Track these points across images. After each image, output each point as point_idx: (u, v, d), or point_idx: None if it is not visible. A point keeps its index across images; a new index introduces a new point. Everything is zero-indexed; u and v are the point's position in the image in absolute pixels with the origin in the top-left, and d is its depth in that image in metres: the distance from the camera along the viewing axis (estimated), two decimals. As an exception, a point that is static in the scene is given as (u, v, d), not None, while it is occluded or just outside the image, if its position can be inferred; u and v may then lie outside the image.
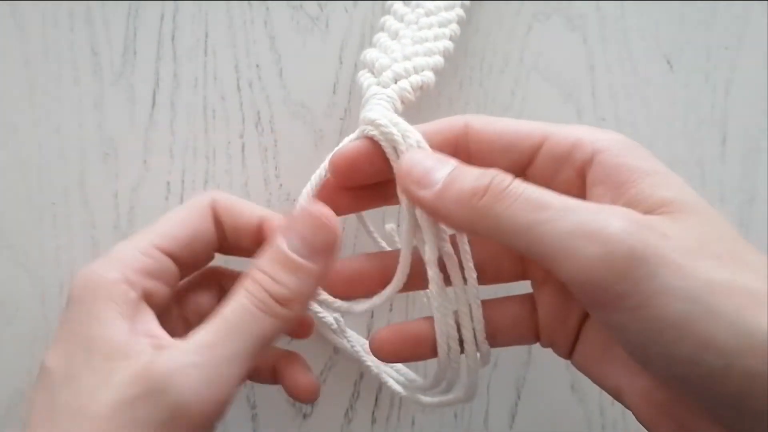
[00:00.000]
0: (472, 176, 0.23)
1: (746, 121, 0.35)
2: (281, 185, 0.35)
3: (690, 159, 0.35)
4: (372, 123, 0.27)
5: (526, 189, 0.22)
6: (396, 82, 0.30)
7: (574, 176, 0.24)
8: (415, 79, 0.30)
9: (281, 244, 0.24)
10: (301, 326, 0.30)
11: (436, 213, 0.24)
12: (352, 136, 0.28)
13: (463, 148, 0.26)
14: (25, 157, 0.35)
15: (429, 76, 0.30)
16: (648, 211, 0.22)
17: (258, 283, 0.24)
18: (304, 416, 0.36)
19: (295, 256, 0.24)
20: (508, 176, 0.22)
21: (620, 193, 0.22)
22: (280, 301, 0.24)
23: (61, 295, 0.35)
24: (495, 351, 0.35)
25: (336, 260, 0.25)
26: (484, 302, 0.28)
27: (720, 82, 0.35)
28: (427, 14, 0.32)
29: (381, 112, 0.27)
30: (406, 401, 0.35)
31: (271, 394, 0.35)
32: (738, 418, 0.20)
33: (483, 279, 0.27)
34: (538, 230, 0.21)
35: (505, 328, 0.28)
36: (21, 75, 0.34)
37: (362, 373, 0.35)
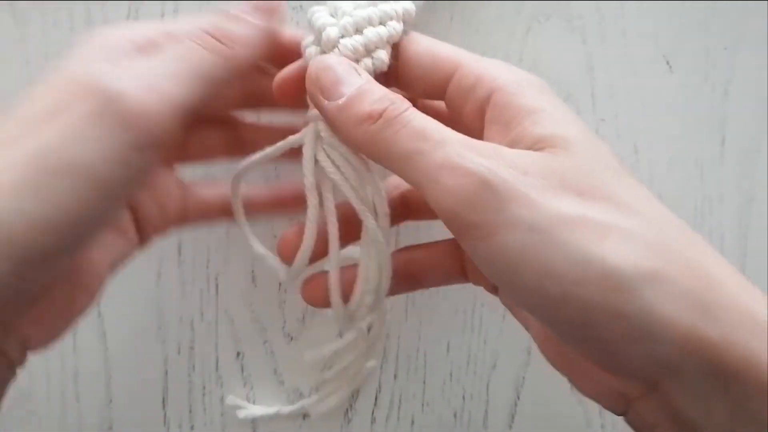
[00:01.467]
0: (373, 98, 0.23)
1: (745, 122, 0.35)
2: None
3: (689, 159, 0.35)
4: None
5: (415, 119, 0.22)
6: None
7: (476, 111, 0.25)
8: (367, 63, 0.26)
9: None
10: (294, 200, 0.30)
11: (335, 128, 0.24)
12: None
13: (393, 67, 0.26)
14: (25, 157, 0.35)
15: (381, 55, 0.26)
16: (525, 148, 0.22)
17: (199, 30, 0.24)
18: (304, 416, 0.36)
19: (237, 12, 0.25)
20: (405, 103, 0.23)
21: (507, 131, 0.23)
22: (220, 39, 0.24)
23: (61, 295, 0.35)
24: (494, 351, 0.35)
25: (279, 22, 0.26)
26: (408, 247, 0.29)
27: (719, 83, 0.35)
28: None
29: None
30: (405, 402, 0.35)
31: (271, 394, 0.36)
32: (586, 348, 0.21)
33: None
34: (414, 160, 0.22)
35: (431, 268, 0.29)
36: (21, 75, 0.34)
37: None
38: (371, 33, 0.26)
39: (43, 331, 0.24)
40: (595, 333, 0.20)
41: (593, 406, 0.35)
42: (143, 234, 0.28)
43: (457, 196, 0.21)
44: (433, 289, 0.35)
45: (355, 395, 0.36)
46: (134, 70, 0.22)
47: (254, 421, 0.36)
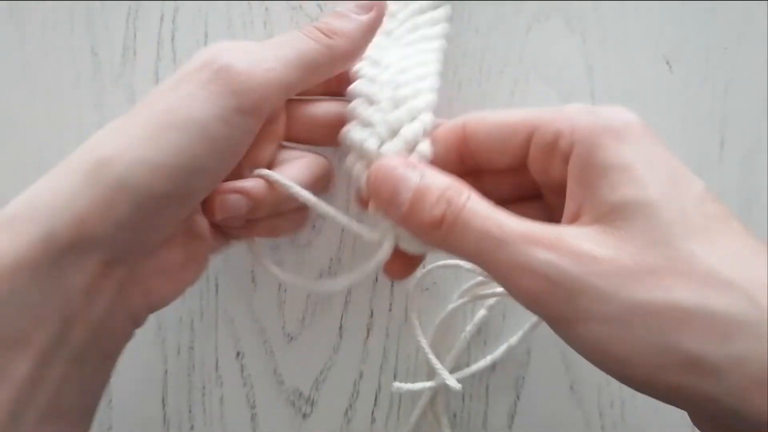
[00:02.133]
0: (431, 201, 0.24)
1: (745, 122, 0.35)
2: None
3: (689, 160, 0.34)
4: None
5: (475, 218, 0.23)
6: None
7: (562, 166, 0.24)
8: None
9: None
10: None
11: (409, 231, 0.26)
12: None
13: (466, 151, 0.27)
14: (25, 157, 0.35)
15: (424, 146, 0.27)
16: (598, 218, 0.22)
17: (308, 25, 0.28)
18: (304, 416, 0.36)
19: (343, 10, 0.28)
20: (462, 196, 0.23)
21: (583, 193, 0.23)
22: (326, 32, 0.27)
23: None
24: (493, 352, 0.35)
25: (380, 18, 0.29)
26: None
27: (719, 83, 0.35)
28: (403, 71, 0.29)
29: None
30: (405, 401, 0.35)
31: (271, 395, 0.36)
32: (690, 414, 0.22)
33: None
34: (483, 260, 0.23)
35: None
36: (21, 76, 0.35)
37: (362, 372, 0.35)
38: (407, 132, 0.27)
39: (161, 287, 0.27)
40: (685, 407, 0.21)
41: (592, 407, 0.35)
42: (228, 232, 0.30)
43: (529, 296, 0.22)
44: (432, 289, 0.35)
45: (354, 395, 0.36)
46: (246, 50, 0.26)
47: (254, 421, 0.36)
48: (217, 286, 0.35)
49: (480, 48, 0.35)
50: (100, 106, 0.35)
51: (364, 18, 0.28)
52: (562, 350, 0.35)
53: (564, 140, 0.24)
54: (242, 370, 0.36)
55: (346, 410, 0.36)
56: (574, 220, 0.23)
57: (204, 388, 0.36)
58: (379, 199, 0.25)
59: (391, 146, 0.27)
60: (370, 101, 0.28)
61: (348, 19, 0.28)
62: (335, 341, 0.35)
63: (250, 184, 0.27)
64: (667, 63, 0.35)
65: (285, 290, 0.35)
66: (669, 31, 0.35)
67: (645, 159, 0.22)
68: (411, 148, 0.27)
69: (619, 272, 0.20)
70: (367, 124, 0.28)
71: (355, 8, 0.28)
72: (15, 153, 0.35)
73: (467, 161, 0.27)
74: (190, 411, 0.36)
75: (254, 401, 0.36)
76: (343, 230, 0.35)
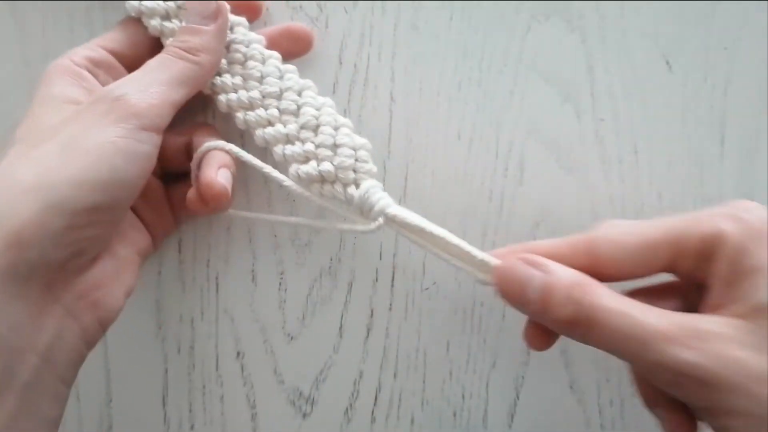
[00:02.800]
0: (558, 301, 0.25)
1: (745, 121, 0.35)
2: (281, 185, 0.35)
3: (688, 159, 0.35)
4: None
5: (608, 318, 0.24)
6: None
7: (705, 266, 0.25)
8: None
9: (182, 24, 0.31)
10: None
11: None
12: None
13: (592, 270, 0.26)
14: (25, 156, 0.35)
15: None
16: (742, 315, 0.23)
17: (170, 46, 0.30)
18: (304, 415, 0.36)
19: (192, 24, 0.30)
20: (588, 299, 0.24)
21: (727, 291, 0.24)
22: (189, 51, 0.30)
23: (61, 294, 0.35)
24: (494, 351, 0.35)
25: (226, 23, 0.31)
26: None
27: (719, 82, 0.35)
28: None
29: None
30: (404, 401, 0.35)
31: (271, 394, 0.36)
32: None
33: None
34: (623, 357, 0.24)
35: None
36: (21, 75, 0.35)
37: (362, 372, 0.35)
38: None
39: (106, 299, 0.28)
40: None
41: (592, 406, 0.35)
42: (154, 235, 0.32)
43: (675, 392, 0.23)
44: (432, 289, 0.35)
45: (354, 394, 0.36)
46: (131, 80, 0.29)
47: (254, 421, 0.36)
48: (217, 285, 0.35)
49: (480, 47, 0.35)
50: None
51: (214, 28, 0.30)
52: (561, 349, 0.35)
53: (709, 245, 0.25)
54: (242, 370, 0.36)
55: (346, 410, 0.36)
56: (715, 311, 0.24)
57: (204, 387, 0.36)
58: (510, 300, 0.27)
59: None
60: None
61: (202, 33, 0.30)
62: (335, 341, 0.35)
63: (225, 160, 0.31)
64: (667, 62, 0.35)
65: (285, 290, 0.35)
66: (668, 31, 0.35)
67: None
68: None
69: (763, 374, 0.22)
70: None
71: (202, 20, 0.31)
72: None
73: (595, 274, 0.27)
74: (190, 410, 0.36)
75: (254, 401, 0.36)
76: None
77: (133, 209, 0.31)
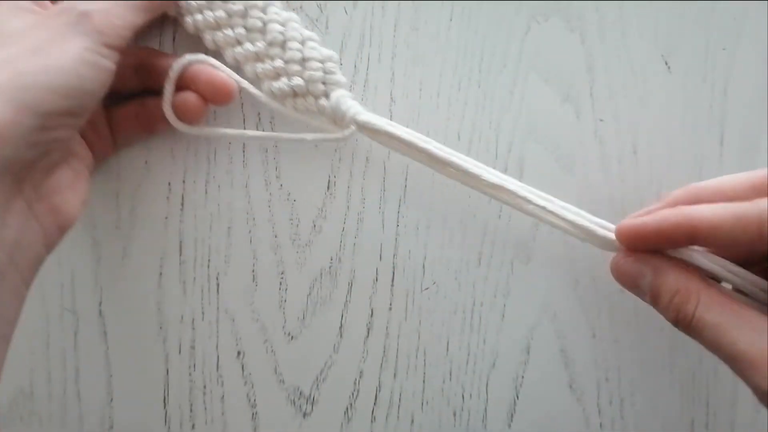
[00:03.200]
0: (663, 304, 0.27)
1: (744, 121, 0.35)
2: (281, 185, 0.35)
3: (688, 159, 0.35)
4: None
5: (703, 327, 0.25)
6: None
7: None
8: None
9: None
10: (219, 92, 0.33)
11: None
12: None
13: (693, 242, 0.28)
14: (26, 157, 0.35)
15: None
16: None
17: None
18: (304, 415, 0.36)
19: None
20: (688, 309, 0.26)
21: None
22: None
23: (62, 295, 0.35)
24: (493, 351, 0.35)
25: None
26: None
27: (718, 83, 0.35)
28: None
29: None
30: (404, 401, 0.35)
31: (271, 394, 0.36)
32: None
33: None
34: (723, 359, 0.26)
35: None
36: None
37: (362, 371, 0.36)
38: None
39: (64, 204, 0.29)
40: None
41: (592, 405, 0.35)
42: (94, 155, 0.33)
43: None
44: (432, 289, 0.35)
45: (354, 394, 0.36)
46: (97, 2, 0.29)
47: (255, 420, 0.36)
48: (218, 285, 0.35)
49: (479, 47, 0.35)
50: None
51: None
52: (561, 348, 0.35)
53: None
54: (243, 369, 0.36)
55: (347, 409, 0.36)
56: None
57: (205, 387, 0.36)
58: (627, 287, 0.29)
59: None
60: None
61: None
62: (335, 340, 0.35)
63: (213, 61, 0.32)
64: (666, 63, 0.35)
65: (285, 290, 0.35)
66: (668, 31, 0.35)
67: None
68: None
69: None
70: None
71: None
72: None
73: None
74: (191, 410, 0.36)
75: (255, 400, 0.36)
76: (343, 229, 0.35)
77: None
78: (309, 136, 0.33)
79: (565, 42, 0.35)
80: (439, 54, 0.35)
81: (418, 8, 0.34)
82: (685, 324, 0.26)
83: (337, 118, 0.32)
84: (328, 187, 0.35)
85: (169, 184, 0.35)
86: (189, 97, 0.32)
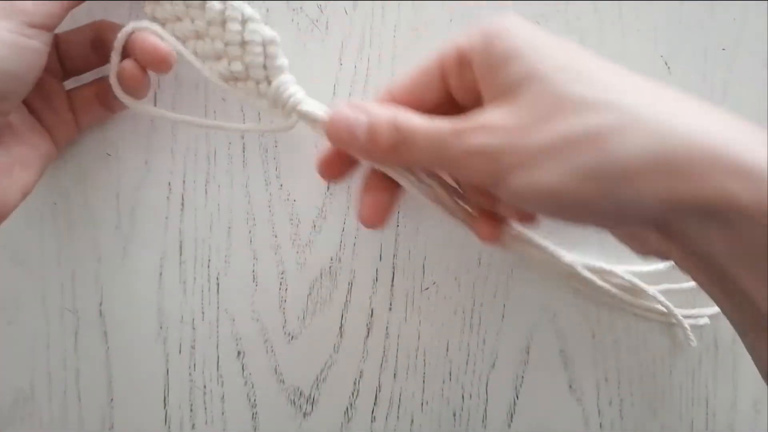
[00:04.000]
0: (383, 133, 0.28)
1: (743, 122, 0.35)
2: (281, 185, 0.35)
3: (687, 160, 0.35)
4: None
5: (417, 131, 0.27)
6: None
7: (474, 77, 0.28)
8: None
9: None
10: (153, 59, 0.32)
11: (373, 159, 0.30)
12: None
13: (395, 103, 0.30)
14: (26, 157, 0.35)
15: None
16: (497, 97, 0.26)
17: None
18: (305, 415, 0.36)
19: None
20: (407, 124, 0.27)
21: (487, 85, 0.27)
22: None
23: (62, 295, 0.36)
24: (493, 351, 0.35)
25: None
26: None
27: (717, 83, 0.35)
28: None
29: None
30: (404, 401, 0.35)
31: (271, 394, 0.36)
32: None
33: None
34: (435, 163, 0.27)
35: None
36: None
37: (362, 371, 0.36)
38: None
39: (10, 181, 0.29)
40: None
41: (592, 406, 0.35)
42: (56, 139, 0.33)
43: (470, 172, 0.26)
44: (432, 289, 0.35)
45: (354, 393, 0.36)
46: None
47: (255, 420, 0.36)
48: (218, 285, 0.35)
49: (479, 48, 0.35)
50: (101, 107, 0.35)
51: None
52: (560, 348, 0.35)
53: (465, 53, 0.28)
54: (243, 369, 0.36)
55: (347, 409, 0.36)
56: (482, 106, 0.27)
57: (205, 387, 0.36)
58: (341, 141, 0.29)
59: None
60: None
61: None
62: (335, 340, 0.35)
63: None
64: (666, 63, 0.35)
65: (285, 290, 0.35)
66: (667, 32, 0.35)
67: (531, 43, 0.26)
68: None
69: (522, 127, 0.25)
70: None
71: None
72: (16, 153, 0.35)
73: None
74: (191, 410, 0.36)
75: (255, 400, 0.36)
76: (343, 230, 0.35)
77: (34, 112, 0.32)
78: (252, 126, 0.33)
79: (565, 43, 0.35)
80: (439, 55, 0.35)
81: (418, 9, 0.35)
82: (402, 138, 0.27)
83: (278, 105, 0.31)
84: (328, 187, 0.35)
85: (169, 184, 0.35)
86: (126, 66, 0.31)
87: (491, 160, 0.25)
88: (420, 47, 0.35)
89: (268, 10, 0.34)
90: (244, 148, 0.35)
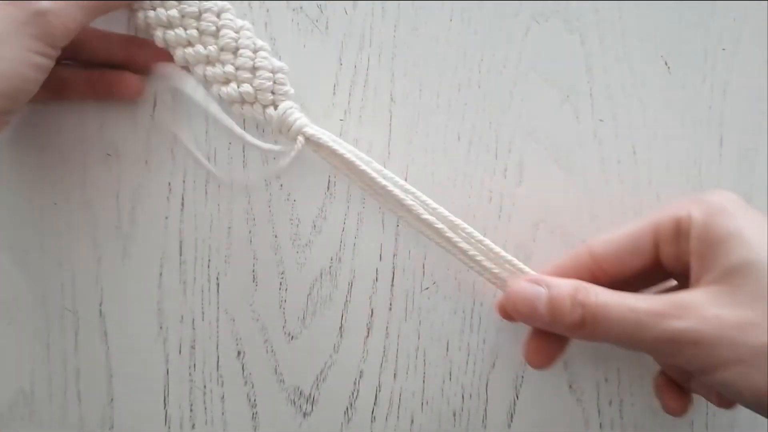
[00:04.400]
0: (565, 308, 0.28)
1: (743, 122, 0.35)
2: (281, 185, 0.35)
3: (687, 160, 0.35)
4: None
5: (608, 311, 0.27)
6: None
7: (687, 247, 0.28)
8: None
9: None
10: (128, 87, 0.34)
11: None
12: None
13: (599, 271, 0.30)
14: (26, 157, 0.35)
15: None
16: (716, 281, 0.26)
17: None
18: (305, 415, 0.36)
19: None
20: (591, 299, 0.27)
21: (702, 262, 0.27)
22: None
23: (62, 295, 0.36)
24: (493, 351, 0.35)
25: None
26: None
27: (717, 83, 0.35)
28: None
29: None
30: (404, 401, 0.35)
31: (272, 394, 0.36)
32: None
33: None
34: (627, 343, 0.27)
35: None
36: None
37: (362, 371, 0.36)
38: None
39: None
40: None
41: (591, 405, 0.35)
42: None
43: (674, 358, 0.26)
44: (432, 289, 0.35)
45: (354, 394, 0.36)
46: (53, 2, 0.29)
47: (255, 420, 0.36)
48: (218, 285, 0.35)
49: (479, 48, 0.35)
50: (101, 107, 0.35)
51: None
52: (561, 349, 0.35)
53: (683, 224, 0.28)
54: (243, 369, 0.36)
55: (347, 409, 0.36)
56: (696, 285, 0.27)
57: (205, 387, 0.36)
58: (521, 315, 0.29)
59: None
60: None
61: None
62: (335, 340, 0.35)
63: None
64: (666, 63, 0.35)
65: (285, 290, 0.35)
66: (667, 32, 0.35)
67: (751, 227, 0.26)
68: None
69: (742, 322, 0.24)
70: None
71: None
72: (16, 152, 0.35)
73: (601, 279, 0.30)
74: (191, 410, 0.36)
75: (255, 400, 0.36)
76: (343, 230, 0.35)
77: None
78: (265, 145, 0.34)
79: (565, 43, 0.35)
80: (439, 55, 0.35)
81: (418, 9, 0.35)
82: (591, 315, 0.27)
83: (283, 129, 0.33)
84: (328, 187, 0.35)
85: (169, 184, 0.35)
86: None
87: (701, 350, 0.25)
88: (420, 47, 0.35)
89: (268, 10, 0.35)
90: (244, 147, 0.35)
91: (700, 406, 0.35)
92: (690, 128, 0.35)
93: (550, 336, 0.31)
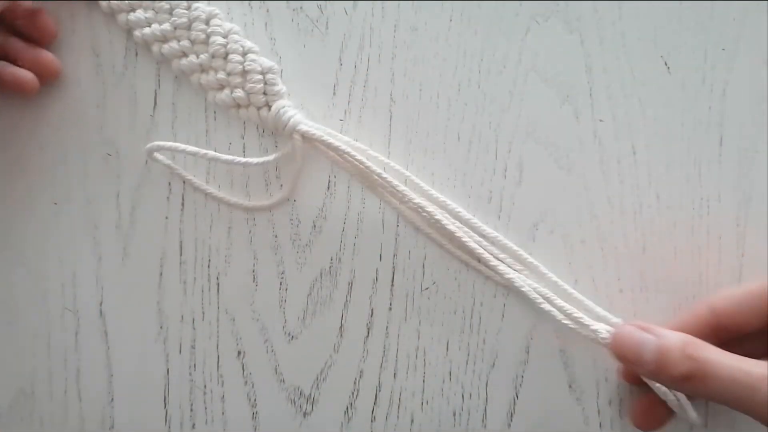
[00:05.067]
0: (674, 360, 0.28)
1: (743, 122, 0.35)
2: (282, 186, 0.35)
3: (687, 159, 0.35)
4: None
5: (718, 371, 0.27)
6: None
7: None
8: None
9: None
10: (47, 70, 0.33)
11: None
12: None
13: (720, 328, 0.31)
14: (26, 157, 0.35)
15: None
16: None
17: None
18: (305, 414, 0.36)
19: None
20: (702, 354, 0.27)
21: None
22: None
23: (62, 295, 0.36)
24: (493, 350, 0.35)
25: None
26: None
27: (717, 83, 0.35)
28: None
29: None
30: (404, 401, 0.35)
31: (272, 393, 0.36)
32: None
33: None
34: (736, 405, 0.27)
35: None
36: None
37: (362, 371, 0.36)
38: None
39: None
40: None
41: (591, 405, 0.35)
42: None
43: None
44: (432, 288, 0.35)
45: (354, 393, 0.36)
46: None
47: (255, 420, 0.36)
48: (218, 285, 0.35)
49: (479, 48, 0.35)
50: (101, 107, 0.35)
51: None
52: (560, 348, 0.35)
53: None
54: (243, 369, 0.36)
55: (347, 409, 0.36)
56: None
57: (205, 386, 0.36)
58: (624, 359, 0.30)
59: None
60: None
61: None
62: (335, 340, 0.36)
63: None
64: (666, 63, 0.35)
65: (286, 290, 0.35)
66: (667, 32, 0.35)
67: None
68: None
69: None
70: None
71: None
72: (17, 152, 0.35)
73: (721, 335, 0.31)
74: (191, 410, 0.36)
75: (255, 400, 0.36)
76: (343, 230, 0.35)
77: None
78: (254, 160, 0.34)
79: (565, 43, 0.35)
80: (439, 55, 0.35)
81: (418, 9, 0.35)
82: (700, 370, 0.27)
83: (279, 129, 0.33)
84: (328, 187, 0.35)
85: (169, 184, 0.35)
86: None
87: None
88: (420, 47, 0.35)
89: (268, 11, 0.35)
90: (244, 147, 0.35)
91: (700, 406, 0.35)
92: (690, 128, 0.35)
93: (658, 399, 0.32)
